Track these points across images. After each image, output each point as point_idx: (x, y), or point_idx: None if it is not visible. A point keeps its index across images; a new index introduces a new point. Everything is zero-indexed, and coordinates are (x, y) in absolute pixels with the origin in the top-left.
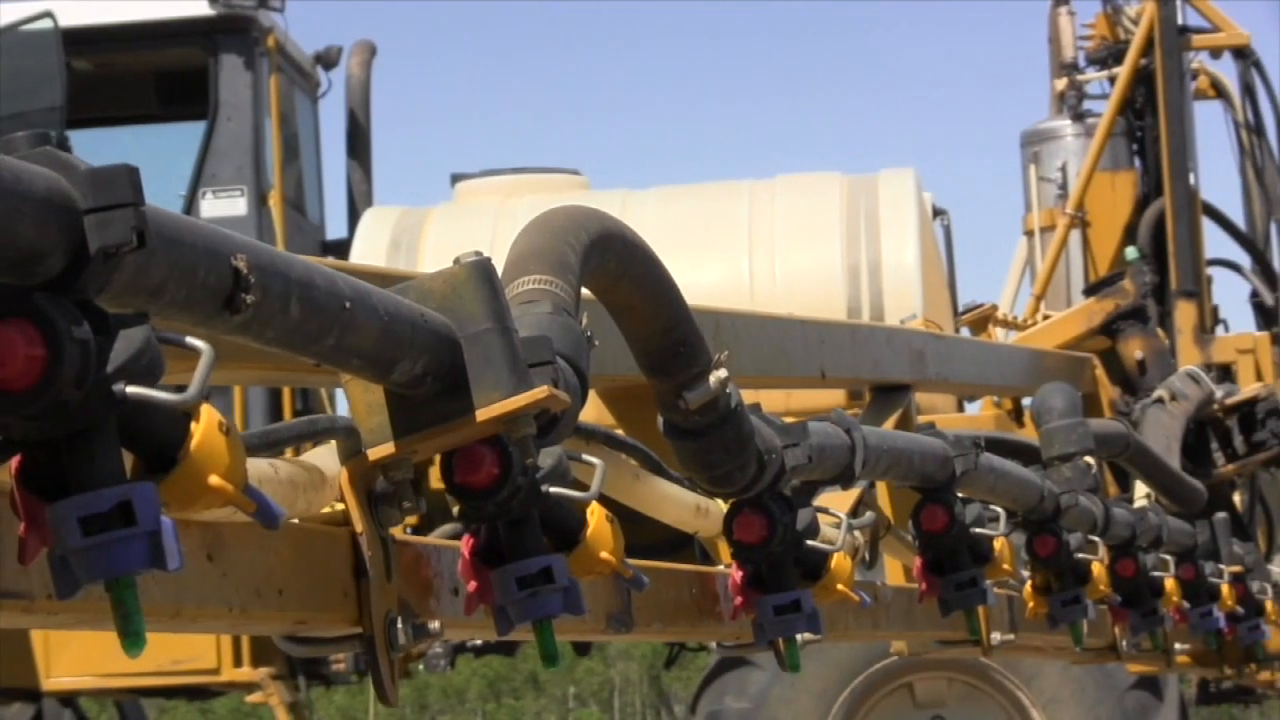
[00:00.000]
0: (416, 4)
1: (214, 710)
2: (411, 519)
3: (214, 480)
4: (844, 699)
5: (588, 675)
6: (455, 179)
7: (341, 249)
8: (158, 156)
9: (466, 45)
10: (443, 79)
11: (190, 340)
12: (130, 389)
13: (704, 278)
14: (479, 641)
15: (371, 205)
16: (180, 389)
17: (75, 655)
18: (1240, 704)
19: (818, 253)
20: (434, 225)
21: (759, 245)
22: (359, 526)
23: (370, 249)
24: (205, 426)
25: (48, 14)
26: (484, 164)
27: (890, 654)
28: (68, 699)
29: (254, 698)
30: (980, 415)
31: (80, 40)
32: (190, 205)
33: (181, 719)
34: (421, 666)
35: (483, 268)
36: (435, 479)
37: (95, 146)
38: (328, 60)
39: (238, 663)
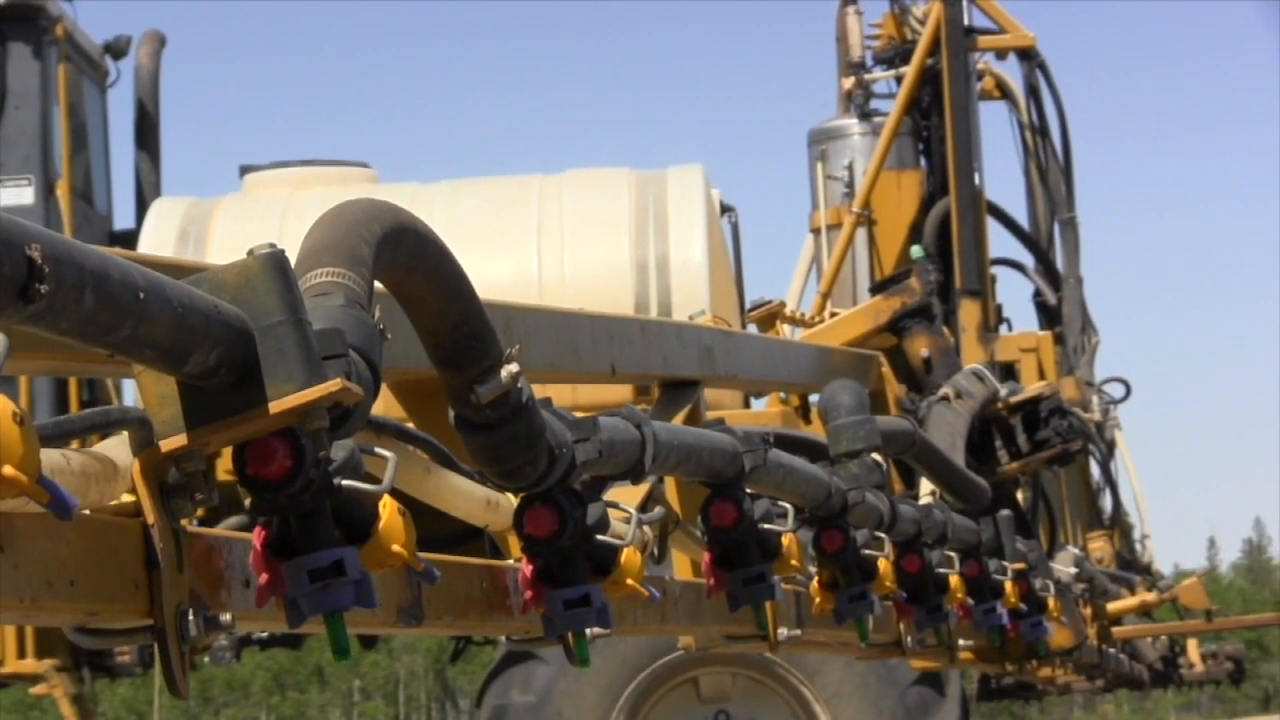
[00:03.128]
0: None
1: None
2: (200, 510)
3: (7, 470)
4: (629, 693)
5: (373, 668)
6: (244, 170)
7: (129, 240)
8: None
9: (256, 37)
10: (232, 70)
11: None
12: None
13: (493, 271)
14: (264, 634)
15: (160, 196)
16: None
17: None
18: (1020, 700)
19: (606, 247)
20: (222, 217)
21: (548, 240)
22: (151, 518)
23: (158, 240)
24: None
25: None
26: (273, 156)
27: (676, 649)
28: None
29: (38, 689)
30: (766, 411)
31: None
32: None
33: None
34: (207, 659)
35: (276, 260)
36: (224, 470)
37: None
38: (117, 50)
39: (22, 654)
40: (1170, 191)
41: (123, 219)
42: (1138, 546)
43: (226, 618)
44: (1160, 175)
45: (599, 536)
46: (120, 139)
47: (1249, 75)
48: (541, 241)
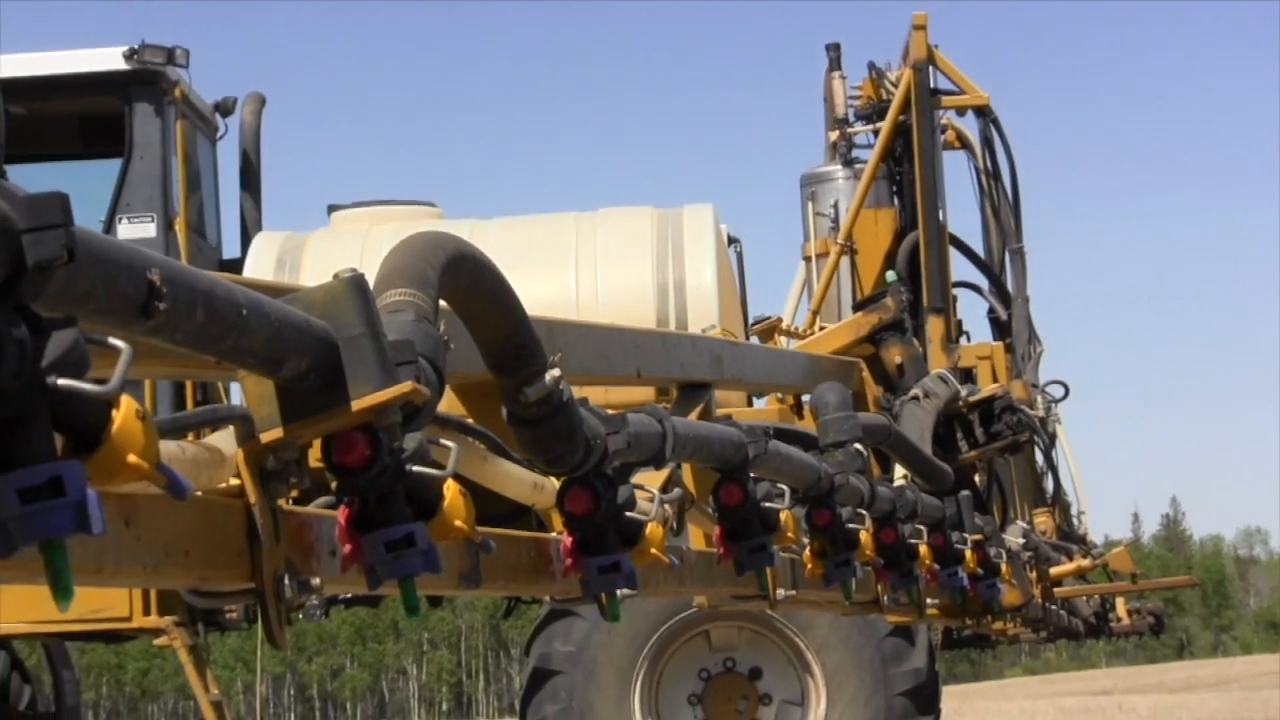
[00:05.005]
0: (301, 63)
1: (126, 652)
2: (293, 491)
3: (132, 459)
4: (652, 643)
5: (439, 623)
6: (331, 209)
7: (235, 267)
8: (81, 188)
9: (344, 95)
10: (322, 124)
11: (112, 340)
12: (61, 381)
13: (537, 293)
14: (349, 595)
15: (261, 230)
16: (103, 381)
17: (9, 605)
18: (977, 648)
19: (632, 273)
20: (312, 248)
21: (583, 267)
22: (252, 498)
23: (259, 267)
24: (125, 413)
25: None
26: (355, 196)
27: (691, 607)
28: (2, 642)
29: (160, 641)
30: (766, 409)
31: (16, 89)
32: (108, 229)
33: (99, 659)
34: (300, 615)
35: (357, 282)
36: (314, 458)
37: (28, 180)
38: (225, 108)
39: (146, 612)
40: (1106, 224)
41: (230, 249)
42: (1075, 521)
43: (316, 581)
44: (1095, 213)
45: (628, 513)
46: (227, 182)
47: (1176, 111)
48: (578, 268)
